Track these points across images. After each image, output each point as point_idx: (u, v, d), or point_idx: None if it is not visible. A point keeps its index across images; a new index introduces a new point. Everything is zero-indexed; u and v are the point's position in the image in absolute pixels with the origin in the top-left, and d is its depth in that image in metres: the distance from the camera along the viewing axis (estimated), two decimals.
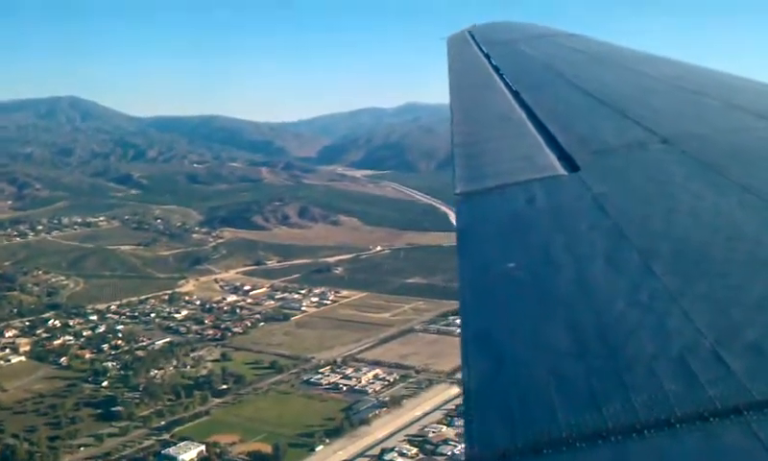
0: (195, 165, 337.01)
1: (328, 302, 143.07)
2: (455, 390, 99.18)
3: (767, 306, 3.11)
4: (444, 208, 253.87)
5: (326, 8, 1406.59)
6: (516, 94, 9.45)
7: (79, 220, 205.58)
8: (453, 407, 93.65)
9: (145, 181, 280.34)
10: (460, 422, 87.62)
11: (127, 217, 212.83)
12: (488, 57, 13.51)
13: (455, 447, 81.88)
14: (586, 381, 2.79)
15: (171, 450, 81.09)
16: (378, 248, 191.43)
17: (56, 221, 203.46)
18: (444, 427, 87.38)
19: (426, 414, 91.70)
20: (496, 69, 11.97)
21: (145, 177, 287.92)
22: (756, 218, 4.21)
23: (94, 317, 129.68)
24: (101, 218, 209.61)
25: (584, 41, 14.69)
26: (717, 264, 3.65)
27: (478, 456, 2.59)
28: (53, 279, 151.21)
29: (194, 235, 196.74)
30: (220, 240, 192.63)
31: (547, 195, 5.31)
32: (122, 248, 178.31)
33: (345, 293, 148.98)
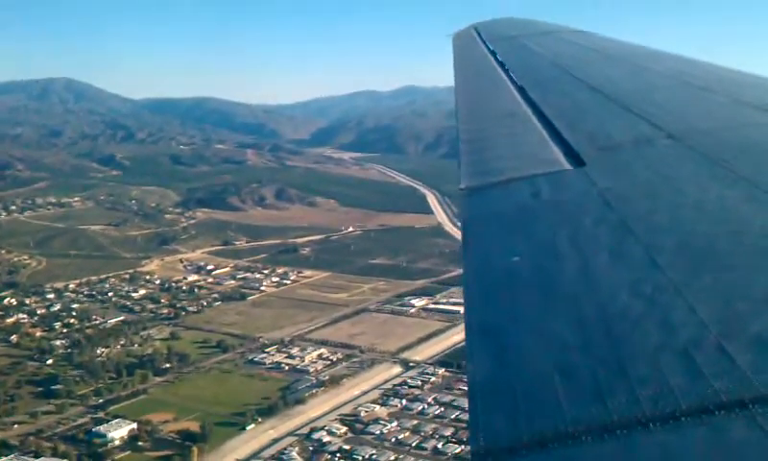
0: (181, 147, 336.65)
1: (289, 282, 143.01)
2: (396, 370, 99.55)
3: None
4: (423, 190, 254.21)
5: None
6: (521, 90, 9.46)
7: (53, 200, 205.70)
8: (390, 387, 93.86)
9: (127, 162, 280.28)
10: (393, 401, 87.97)
11: (102, 197, 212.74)
12: (493, 53, 13.48)
13: (384, 426, 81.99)
14: (591, 375, 2.78)
15: (102, 428, 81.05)
16: (350, 229, 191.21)
17: (29, 201, 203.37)
18: (378, 407, 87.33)
19: (364, 393, 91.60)
20: (502, 65, 11.96)
21: (128, 158, 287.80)
22: (762, 212, 4.17)
23: (51, 295, 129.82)
24: (75, 199, 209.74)
25: (589, 38, 14.75)
26: (723, 258, 3.61)
27: (483, 450, 2.57)
28: (16, 259, 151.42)
29: (167, 216, 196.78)
30: (192, 221, 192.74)
31: (553, 190, 5.33)
32: (92, 228, 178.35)
33: (307, 273, 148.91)
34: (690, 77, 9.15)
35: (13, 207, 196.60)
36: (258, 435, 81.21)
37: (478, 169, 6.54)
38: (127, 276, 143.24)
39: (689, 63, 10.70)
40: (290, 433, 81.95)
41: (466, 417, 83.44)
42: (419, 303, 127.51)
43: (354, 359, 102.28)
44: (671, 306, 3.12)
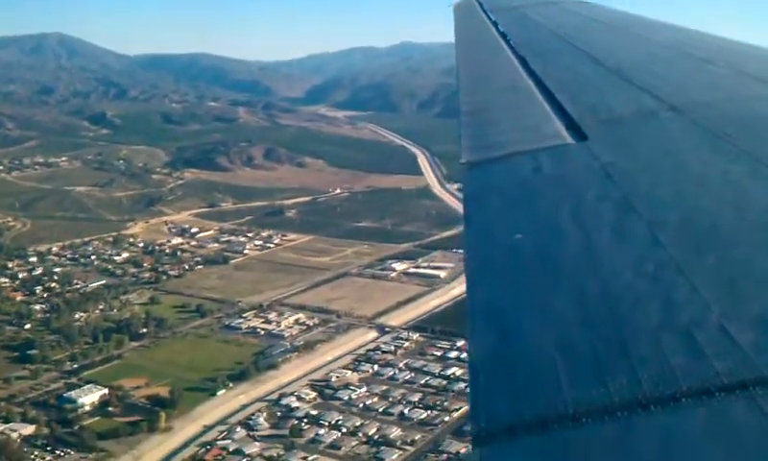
0: (174, 105, 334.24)
1: (272, 245, 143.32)
2: (372, 335, 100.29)
3: None
4: (413, 150, 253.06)
5: None
6: (523, 62, 9.31)
7: (41, 160, 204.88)
8: (364, 352, 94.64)
9: (118, 120, 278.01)
10: (365, 366, 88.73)
11: (89, 157, 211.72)
12: (495, 24, 13.30)
13: (354, 391, 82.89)
14: (592, 355, 2.78)
15: (72, 394, 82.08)
16: (338, 190, 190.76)
17: (17, 161, 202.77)
18: (349, 372, 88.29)
19: (337, 359, 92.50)
20: (504, 36, 11.79)
21: (119, 116, 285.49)
22: (765, 187, 4.16)
23: (34, 259, 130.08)
24: (63, 158, 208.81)
25: (592, 8, 14.58)
26: (726, 235, 3.59)
27: (484, 430, 2.57)
28: (1, 221, 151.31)
29: (154, 176, 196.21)
30: (179, 181, 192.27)
31: (554, 164, 5.28)
32: (78, 188, 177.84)
33: (292, 236, 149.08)
34: (692, 48, 9.11)
35: (1, 167, 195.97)
36: (228, 401, 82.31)
37: (479, 143, 6.49)
38: (110, 239, 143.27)
39: (692, 34, 10.65)
40: (260, 399, 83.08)
41: (435, 382, 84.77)
42: (400, 266, 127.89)
43: (331, 324, 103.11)
44: (673, 285, 3.11)
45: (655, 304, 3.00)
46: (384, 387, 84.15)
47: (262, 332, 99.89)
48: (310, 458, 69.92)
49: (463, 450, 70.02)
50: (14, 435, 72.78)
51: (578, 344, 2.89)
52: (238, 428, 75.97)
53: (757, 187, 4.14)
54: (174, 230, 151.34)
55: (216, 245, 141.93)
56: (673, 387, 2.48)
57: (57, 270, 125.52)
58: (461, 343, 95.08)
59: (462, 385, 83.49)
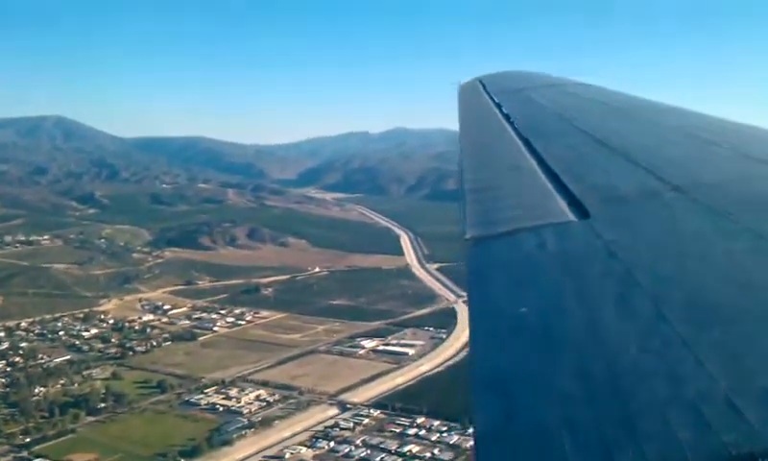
0: (164, 186, 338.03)
1: (243, 322, 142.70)
2: (332, 412, 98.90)
3: None
4: (398, 231, 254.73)
5: (319, 32, 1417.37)
6: (526, 142, 9.43)
7: (22, 238, 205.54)
8: (322, 429, 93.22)
9: (106, 200, 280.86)
10: (321, 443, 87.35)
11: (72, 236, 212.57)
12: (499, 105, 13.54)
13: None
14: (598, 430, 2.76)
15: None
16: (317, 269, 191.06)
17: None
18: (304, 449, 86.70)
19: (294, 435, 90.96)
20: (507, 117, 11.95)
21: (107, 196, 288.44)
22: None
23: (1, 334, 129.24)
24: (45, 237, 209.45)
25: (594, 90, 14.79)
26: (730, 311, 3.59)
27: None
28: None
29: (134, 255, 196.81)
30: (159, 260, 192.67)
31: (558, 241, 5.28)
32: (56, 266, 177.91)
33: (264, 313, 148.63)
34: (695, 130, 9.17)
35: None
36: None
37: (483, 219, 6.49)
38: (81, 315, 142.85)
39: (694, 116, 10.72)
40: None
41: (390, 459, 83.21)
42: (369, 344, 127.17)
43: (291, 401, 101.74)
44: (678, 360, 3.11)
45: (660, 379, 3.02)
46: None
47: (221, 408, 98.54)
48: None
49: None
50: None
51: (584, 419, 2.88)
52: None
53: (760, 264, 4.16)
54: (146, 307, 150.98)
55: (187, 322, 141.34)
56: None
57: (23, 345, 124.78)
58: (420, 420, 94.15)
59: None
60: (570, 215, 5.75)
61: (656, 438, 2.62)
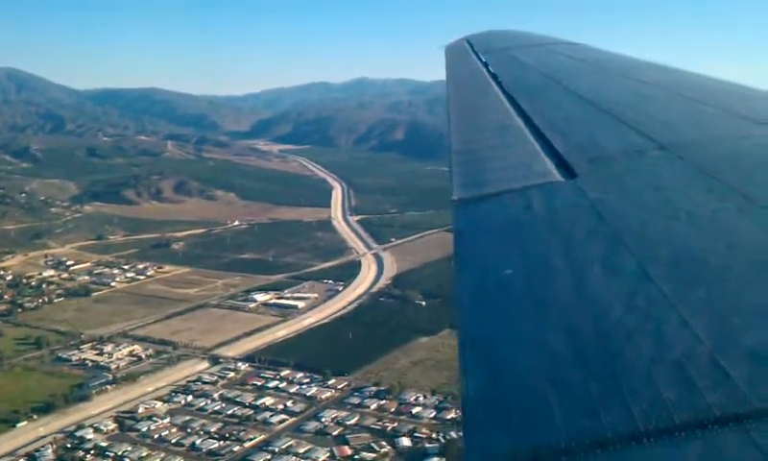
0: (105, 139, 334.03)
1: (143, 277, 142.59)
2: (202, 366, 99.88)
3: (766, 313, 3.10)
4: (333, 183, 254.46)
5: None
6: (513, 102, 9.37)
7: None
8: (185, 383, 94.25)
9: (40, 154, 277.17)
10: (179, 397, 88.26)
11: None
12: (486, 65, 13.38)
13: (154, 423, 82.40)
14: (584, 389, 2.78)
15: None
16: (236, 223, 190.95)
17: None
18: (159, 403, 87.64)
19: (156, 390, 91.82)
20: (494, 77, 11.82)
21: (43, 150, 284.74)
22: (754, 224, 4.14)
23: None
24: None
25: (581, 49, 14.56)
26: (715, 271, 3.59)
27: None
28: None
29: (53, 210, 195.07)
30: (77, 215, 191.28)
31: (544, 202, 5.25)
32: None
33: (167, 268, 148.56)
34: (682, 88, 9.18)
35: None
36: (26, 432, 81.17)
37: (470, 180, 6.51)
38: None
39: (681, 74, 10.71)
40: (60, 430, 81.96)
41: (242, 412, 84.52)
42: (261, 298, 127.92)
43: (164, 356, 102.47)
44: (663, 319, 3.13)
45: (646, 338, 3.03)
46: (188, 418, 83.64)
47: (90, 364, 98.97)
48: None
49: None
50: None
51: (570, 378, 2.90)
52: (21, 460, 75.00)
53: (745, 223, 4.18)
54: (50, 263, 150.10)
55: (87, 277, 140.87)
56: (666, 420, 2.48)
57: None
58: (285, 372, 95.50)
59: (267, 414, 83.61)
60: (557, 175, 5.78)
61: (641, 398, 2.62)
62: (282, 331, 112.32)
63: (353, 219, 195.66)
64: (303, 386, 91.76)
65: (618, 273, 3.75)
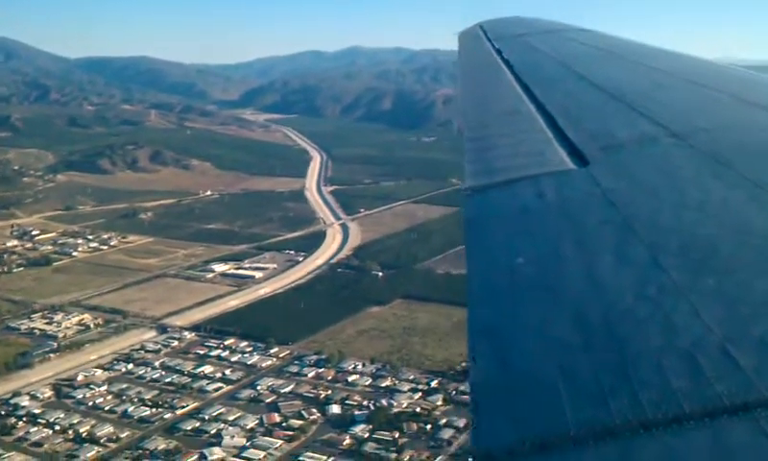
0: (88, 108, 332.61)
1: (106, 247, 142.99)
2: (149, 335, 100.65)
3: None
4: (313, 153, 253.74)
5: None
6: (526, 89, 9.40)
7: None
8: (129, 351, 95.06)
9: (20, 123, 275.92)
10: (120, 365, 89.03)
11: None
12: (499, 51, 13.42)
13: (90, 390, 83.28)
14: (594, 377, 2.80)
15: None
16: (208, 193, 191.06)
17: None
18: (99, 371, 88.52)
19: (100, 358, 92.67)
20: (507, 63, 11.87)
21: (24, 119, 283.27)
22: (766, 213, 4.17)
23: None
24: None
25: (595, 36, 14.61)
26: (727, 259, 3.62)
27: (485, 452, 2.59)
28: None
29: (25, 179, 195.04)
30: (50, 184, 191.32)
31: (557, 190, 5.29)
32: None
33: (132, 238, 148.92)
34: (694, 75, 9.25)
35: None
36: None
37: (482, 168, 6.52)
38: None
39: (693, 62, 10.78)
40: None
41: (179, 380, 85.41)
42: (220, 268, 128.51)
43: (113, 325, 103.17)
44: (675, 309, 3.17)
45: (657, 328, 3.06)
46: (125, 385, 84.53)
47: (38, 333, 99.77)
48: (5, 455, 70.12)
49: (163, 447, 70.95)
50: None
51: (580, 366, 2.93)
52: None
53: (757, 212, 4.18)
54: (15, 233, 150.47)
55: (50, 247, 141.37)
56: (675, 409, 2.50)
57: None
58: (229, 341, 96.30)
59: (204, 382, 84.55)
60: (569, 163, 5.80)
61: (650, 386, 2.65)
62: (234, 301, 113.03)
63: (327, 189, 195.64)
64: (246, 355, 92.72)
65: (629, 261, 3.77)
